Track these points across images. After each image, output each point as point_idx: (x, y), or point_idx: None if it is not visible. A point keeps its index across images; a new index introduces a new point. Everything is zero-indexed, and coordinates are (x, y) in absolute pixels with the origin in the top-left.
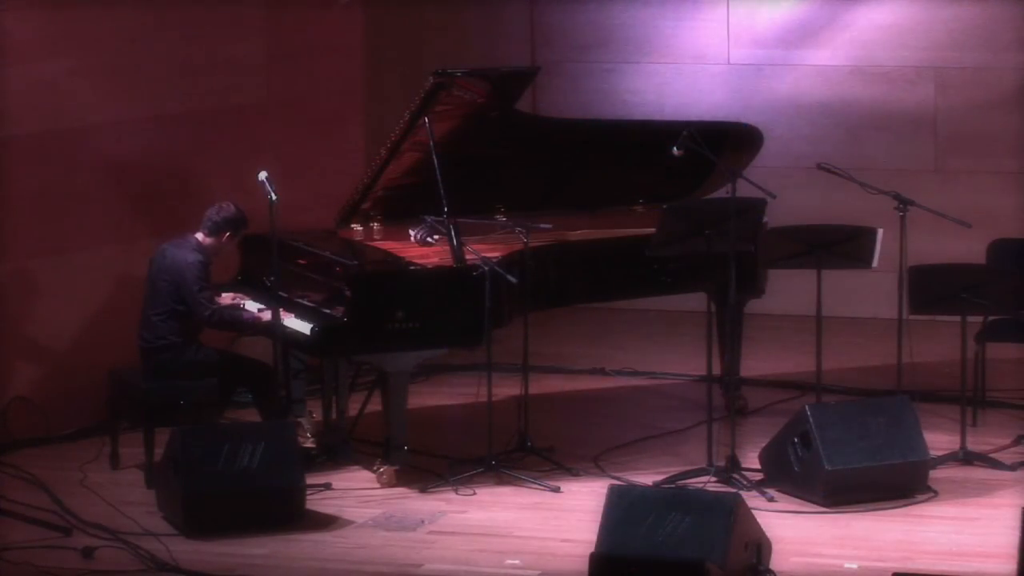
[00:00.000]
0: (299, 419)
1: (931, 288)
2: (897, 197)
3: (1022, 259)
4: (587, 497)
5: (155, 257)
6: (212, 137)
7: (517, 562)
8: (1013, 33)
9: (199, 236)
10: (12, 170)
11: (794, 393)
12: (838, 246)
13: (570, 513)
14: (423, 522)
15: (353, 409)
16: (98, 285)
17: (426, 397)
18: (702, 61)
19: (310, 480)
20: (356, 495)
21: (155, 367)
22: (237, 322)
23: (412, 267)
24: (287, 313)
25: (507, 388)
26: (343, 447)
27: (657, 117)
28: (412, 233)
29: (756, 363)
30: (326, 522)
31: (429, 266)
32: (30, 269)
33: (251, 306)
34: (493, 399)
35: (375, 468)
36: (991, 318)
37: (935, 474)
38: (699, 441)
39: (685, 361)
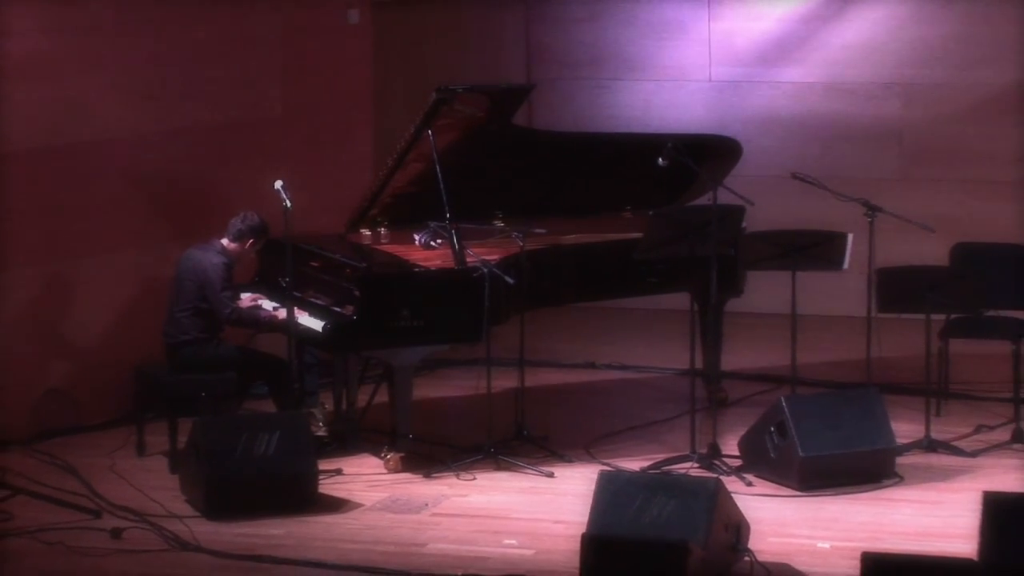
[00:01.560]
0: (312, 410)
1: (897, 288)
2: (866, 204)
3: (982, 261)
4: (579, 482)
5: (182, 259)
6: (231, 148)
7: (514, 542)
8: (973, 52)
9: (224, 241)
10: (46, 180)
11: (771, 386)
12: (811, 249)
13: (563, 497)
14: (427, 505)
15: (362, 400)
16: (126, 286)
17: (429, 389)
18: (685, 78)
19: (322, 466)
20: (365, 480)
21: (178, 361)
22: (255, 320)
23: (417, 269)
24: (301, 311)
25: (505, 381)
26: (353, 436)
27: (643, 130)
28: (416, 237)
29: (736, 358)
30: (337, 505)
31: (432, 268)
32: (63, 272)
33: (267, 305)
34: (492, 391)
35: (382, 455)
36: (953, 316)
37: (902, 460)
38: (683, 430)
39: (670, 356)
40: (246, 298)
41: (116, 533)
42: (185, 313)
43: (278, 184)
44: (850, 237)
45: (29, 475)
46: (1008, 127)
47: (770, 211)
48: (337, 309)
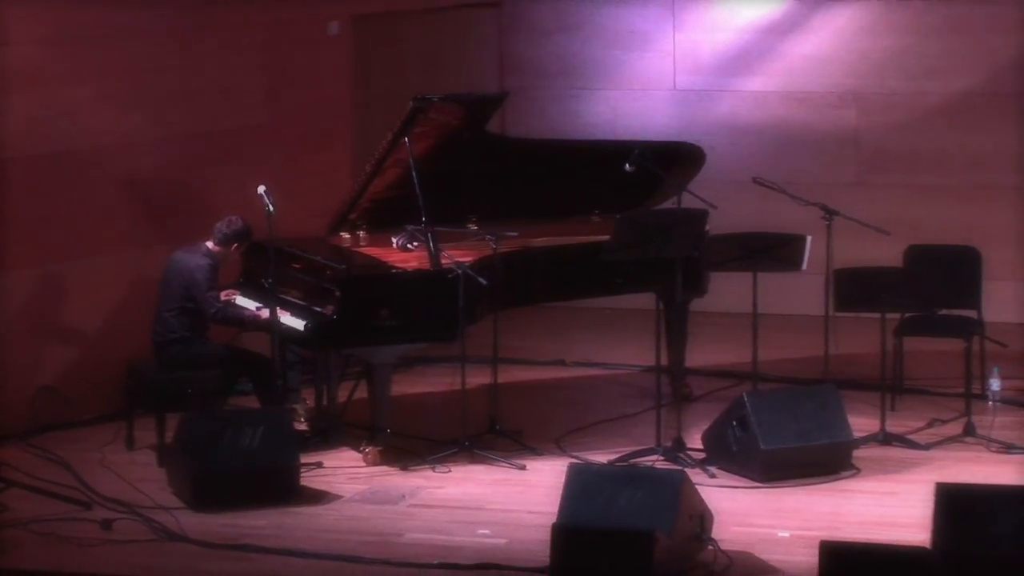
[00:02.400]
0: (294, 406)
1: (854, 288)
2: (824, 208)
3: (935, 262)
4: (550, 474)
5: (169, 261)
6: (217, 155)
7: (487, 532)
8: (925, 62)
9: (209, 244)
10: (39, 184)
11: (733, 382)
12: (772, 251)
13: (534, 488)
14: (404, 496)
15: (342, 397)
16: (116, 287)
17: (407, 386)
18: (651, 87)
19: (304, 459)
20: (345, 472)
21: (166, 359)
22: (239, 319)
23: (394, 270)
24: (283, 311)
25: (479, 378)
26: (333, 430)
27: (611, 137)
28: (394, 240)
29: (699, 355)
30: (318, 496)
31: (409, 269)
32: (56, 273)
33: (241, 301)
34: (466, 388)
35: (361, 448)
36: (907, 315)
37: (858, 453)
38: (649, 424)
39: (636, 354)
40: (221, 294)
41: (106, 524)
42: (172, 313)
43: (261, 189)
44: (808, 239)
45: (23, 468)
46: (958, 134)
47: (732, 215)
48: (318, 309)
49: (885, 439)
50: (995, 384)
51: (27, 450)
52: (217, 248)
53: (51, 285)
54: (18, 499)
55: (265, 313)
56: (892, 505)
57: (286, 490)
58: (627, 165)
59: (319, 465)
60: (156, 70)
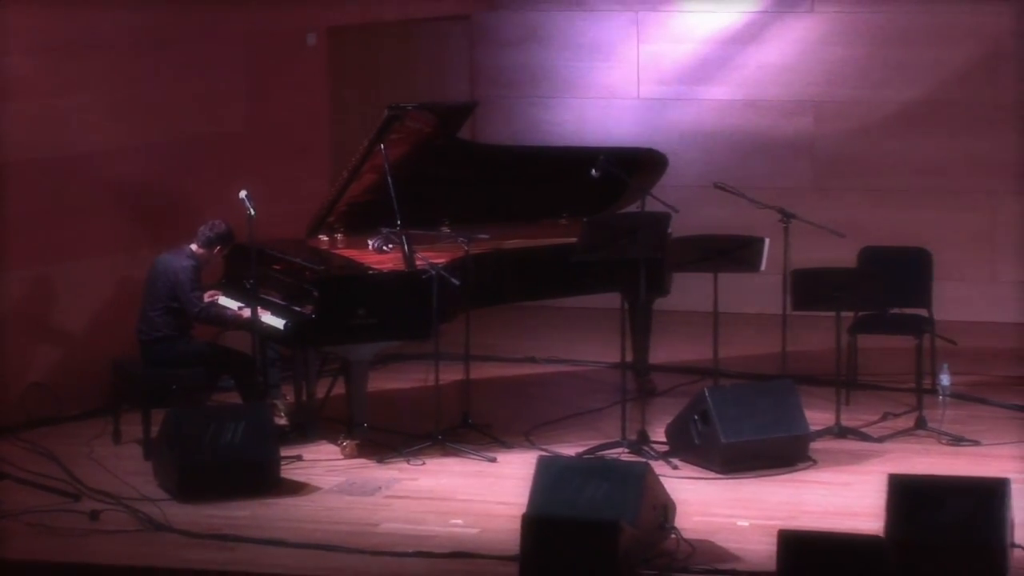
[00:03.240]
0: (274, 401)
1: (810, 288)
2: (781, 211)
3: (887, 263)
4: (519, 466)
5: (155, 263)
6: (200, 161)
7: (460, 522)
8: (879, 72)
9: (193, 247)
10: (29, 190)
11: (695, 377)
12: (731, 253)
13: (505, 480)
14: (380, 488)
15: (320, 392)
16: (103, 287)
17: (383, 382)
18: (615, 96)
19: (284, 453)
20: (323, 465)
21: (151, 357)
22: (221, 318)
23: (371, 271)
24: (264, 311)
25: (451, 374)
26: (312, 424)
27: (577, 144)
28: (370, 242)
29: (663, 352)
30: (298, 488)
31: (385, 270)
32: (45, 274)
33: (224, 301)
34: (440, 383)
35: (339, 442)
36: (861, 313)
37: (814, 446)
38: (614, 418)
39: (602, 351)
40: (205, 295)
41: (94, 515)
42: (157, 312)
43: (243, 194)
44: (767, 241)
45: (14, 462)
46: (910, 141)
47: (694, 218)
48: (298, 308)
49: (840, 432)
50: (945, 380)
51: (18, 444)
52: (201, 250)
53: (41, 286)
54: (9, 491)
55: (247, 312)
56: (847, 495)
57: (267, 482)
58: (593, 170)
59: (298, 458)
60: (142, 81)
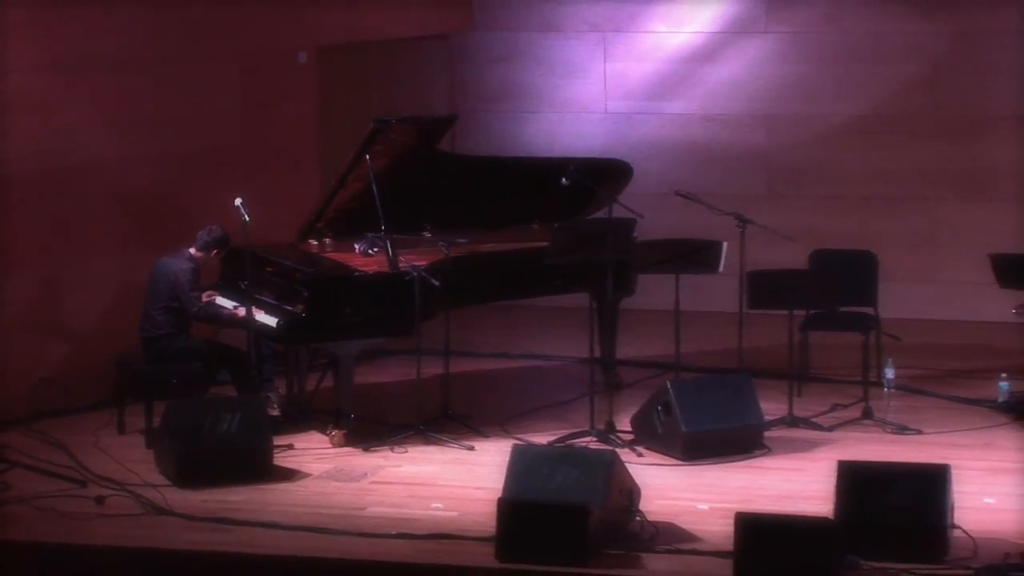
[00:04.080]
0: (268, 394)
1: (765, 288)
2: (738, 217)
3: (836, 265)
4: (495, 454)
5: (156, 265)
6: (198, 171)
7: (440, 506)
8: (828, 88)
9: (192, 250)
10: (39, 199)
11: (658, 371)
12: (692, 256)
13: (482, 467)
14: (366, 474)
15: (310, 386)
16: (108, 289)
17: (369, 375)
18: (584, 111)
19: (277, 442)
20: (313, 453)
21: (153, 353)
22: (218, 317)
23: (357, 273)
24: (258, 310)
25: (432, 368)
26: (303, 415)
27: (549, 155)
28: (356, 246)
29: (628, 348)
30: (289, 475)
31: (370, 272)
32: (54, 276)
33: (221, 301)
34: (421, 377)
35: (328, 432)
36: (812, 312)
37: (769, 434)
38: (583, 410)
39: (572, 346)
40: (203, 295)
41: (99, 500)
42: (158, 311)
43: (238, 201)
44: (725, 245)
45: (25, 451)
46: (856, 151)
47: (657, 223)
48: (289, 308)
49: (792, 422)
50: (890, 373)
51: (28, 434)
52: (199, 254)
53: (50, 287)
54: (20, 478)
55: (242, 312)
56: (799, 480)
57: (261, 469)
58: (563, 179)
59: (290, 447)
60: (144, 96)
